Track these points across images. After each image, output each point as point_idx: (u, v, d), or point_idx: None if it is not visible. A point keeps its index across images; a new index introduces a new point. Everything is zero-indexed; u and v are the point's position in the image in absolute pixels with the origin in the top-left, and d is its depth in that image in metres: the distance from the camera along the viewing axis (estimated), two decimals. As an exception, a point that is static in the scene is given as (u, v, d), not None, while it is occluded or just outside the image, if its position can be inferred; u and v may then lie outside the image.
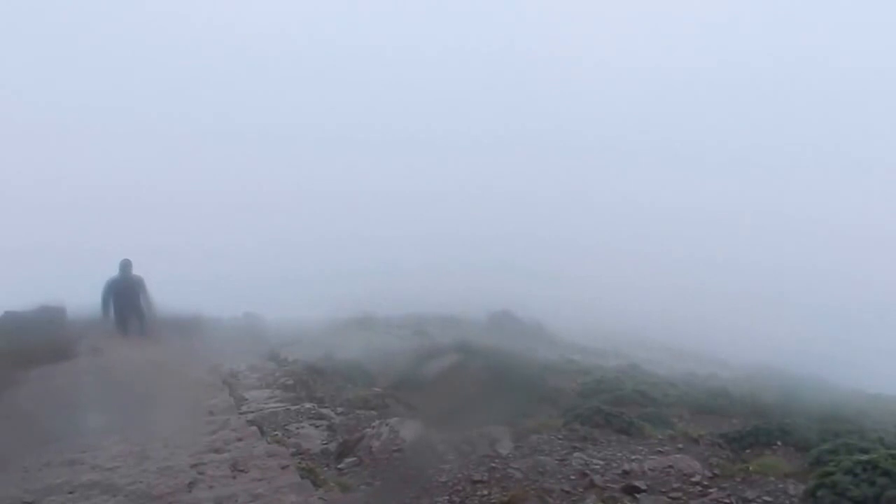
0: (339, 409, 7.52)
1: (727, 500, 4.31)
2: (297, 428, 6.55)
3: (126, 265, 10.74)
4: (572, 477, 4.80)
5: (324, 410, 7.38)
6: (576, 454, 5.33)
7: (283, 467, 4.44)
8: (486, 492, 4.54)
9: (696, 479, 4.73)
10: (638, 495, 4.44)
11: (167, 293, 11.82)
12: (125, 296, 10.72)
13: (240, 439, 5.14)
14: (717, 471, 4.94)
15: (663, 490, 4.52)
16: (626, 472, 4.87)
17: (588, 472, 4.87)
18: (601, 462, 5.14)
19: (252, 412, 6.93)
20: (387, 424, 6.03)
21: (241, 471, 4.39)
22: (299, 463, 4.88)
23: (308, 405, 7.63)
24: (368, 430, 6.00)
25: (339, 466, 5.33)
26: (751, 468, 4.93)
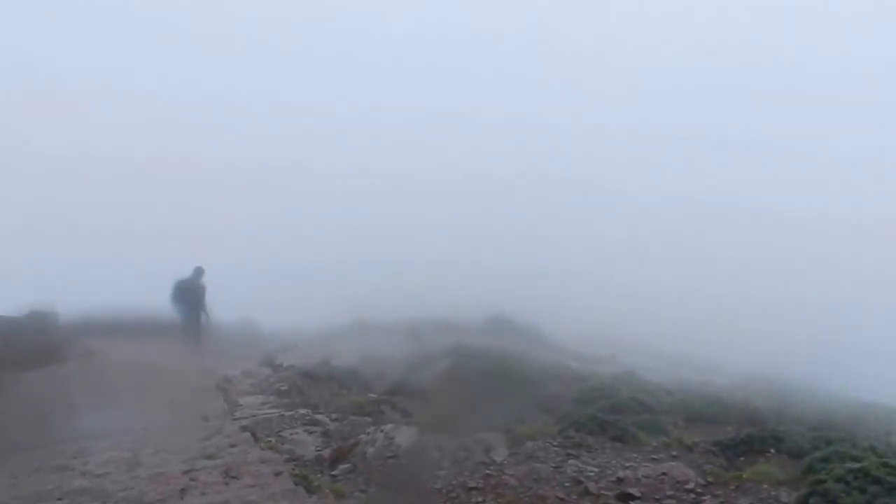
0: (334, 416, 7.49)
1: (721, 508, 4.32)
2: (291, 434, 6.52)
3: (199, 271, 11.87)
4: (567, 484, 4.80)
5: (318, 416, 7.35)
6: (570, 461, 5.33)
7: (277, 474, 4.42)
8: (480, 499, 4.54)
9: (690, 486, 4.74)
10: (632, 502, 4.45)
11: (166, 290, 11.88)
12: (190, 294, 11.72)
13: (233, 445, 5.12)
14: (710, 478, 4.95)
15: (657, 497, 4.52)
16: (620, 480, 4.87)
17: (582, 479, 4.87)
18: (596, 469, 5.14)
19: (246, 418, 6.89)
20: (382, 431, 6.02)
21: (234, 477, 4.37)
22: (293, 469, 4.86)
23: (302, 411, 7.60)
24: (363, 436, 5.98)
25: (333, 473, 5.31)
26: (744, 476, 4.94)
